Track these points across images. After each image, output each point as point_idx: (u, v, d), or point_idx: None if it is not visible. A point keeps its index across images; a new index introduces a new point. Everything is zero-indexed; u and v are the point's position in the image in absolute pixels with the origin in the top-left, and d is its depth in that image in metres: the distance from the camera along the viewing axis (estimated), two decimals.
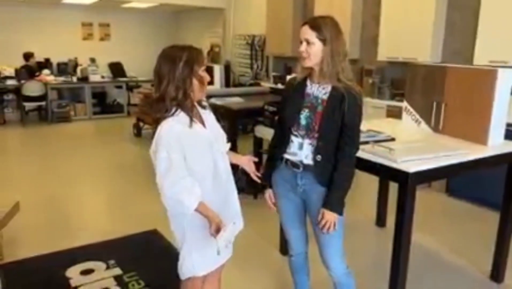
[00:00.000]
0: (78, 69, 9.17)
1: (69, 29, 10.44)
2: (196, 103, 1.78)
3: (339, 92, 1.86)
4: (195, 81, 1.68)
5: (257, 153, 4.34)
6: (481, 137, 2.56)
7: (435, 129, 2.85)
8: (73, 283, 2.73)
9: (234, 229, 1.78)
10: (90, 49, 10.32)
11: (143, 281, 2.75)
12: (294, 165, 1.97)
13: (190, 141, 1.66)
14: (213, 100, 4.21)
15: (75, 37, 10.58)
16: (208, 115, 1.84)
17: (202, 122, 1.77)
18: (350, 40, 5.84)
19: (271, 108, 3.84)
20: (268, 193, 2.15)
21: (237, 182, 1.96)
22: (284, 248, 3.02)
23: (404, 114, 3.13)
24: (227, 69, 8.01)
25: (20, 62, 8.93)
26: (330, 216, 1.89)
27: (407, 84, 3.14)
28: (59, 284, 2.72)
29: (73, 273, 2.84)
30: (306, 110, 1.93)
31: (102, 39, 11.06)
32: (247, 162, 2.01)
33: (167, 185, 1.61)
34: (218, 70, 7.20)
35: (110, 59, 10.07)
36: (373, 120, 3.81)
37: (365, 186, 4.17)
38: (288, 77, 2.37)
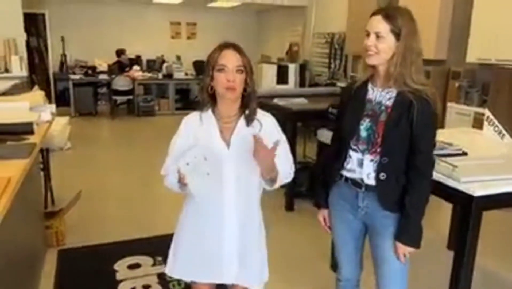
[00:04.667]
0: (164, 66, 9.63)
1: (159, 28, 11.01)
2: (243, 117, 1.60)
3: (405, 98, 1.56)
4: (215, 82, 1.56)
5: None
6: None
7: None
8: (118, 276, 2.79)
9: (198, 153, 1.52)
10: (177, 47, 10.76)
11: (184, 282, 2.71)
12: (355, 183, 1.70)
13: (196, 136, 1.62)
14: (275, 100, 4.07)
15: (164, 36, 11.12)
16: (243, 135, 1.58)
17: (227, 137, 1.60)
18: (437, 39, 5.35)
19: (336, 111, 3.60)
20: (323, 214, 1.91)
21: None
22: (335, 263, 2.78)
23: (485, 125, 2.71)
24: (303, 68, 7.81)
25: (114, 58, 9.63)
26: (403, 250, 1.64)
27: (491, 90, 2.72)
28: (105, 276, 2.79)
29: (121, 266, 2.90)
30: (367, 120, 1.65)
31: (189, 37, 11.49)
32: (264, 153, 1.45)
33: (164, 165, 1.64)
34: (293, 69, 7.07)
35: (195, 57, 10.42)
36: (448, 130, 3.39)
37: (438, 203, 3.72)
38: None
